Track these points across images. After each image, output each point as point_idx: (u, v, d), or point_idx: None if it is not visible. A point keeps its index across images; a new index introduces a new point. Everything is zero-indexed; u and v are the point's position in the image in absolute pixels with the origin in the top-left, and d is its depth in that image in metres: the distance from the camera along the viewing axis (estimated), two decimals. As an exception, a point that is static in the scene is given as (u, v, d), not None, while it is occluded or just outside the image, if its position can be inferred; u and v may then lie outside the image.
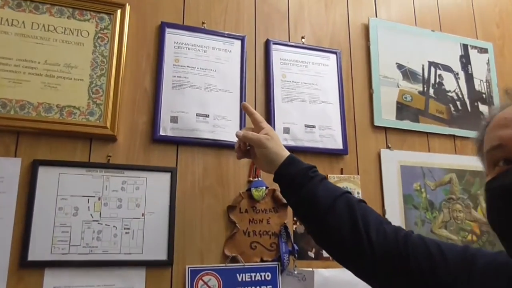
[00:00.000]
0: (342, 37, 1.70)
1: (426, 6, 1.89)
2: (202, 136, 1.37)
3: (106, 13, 1.37)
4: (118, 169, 1.28)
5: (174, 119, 1.36)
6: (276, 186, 1.37)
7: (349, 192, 0.98)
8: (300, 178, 0.98)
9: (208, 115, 1.40)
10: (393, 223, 0.92)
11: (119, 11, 1.37)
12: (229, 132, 1.41)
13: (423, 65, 1.77)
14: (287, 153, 1.05)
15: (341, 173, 1.53)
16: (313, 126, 1.52)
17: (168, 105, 1.37)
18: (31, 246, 1.15)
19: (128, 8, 1.39)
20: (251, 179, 1.41)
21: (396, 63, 1.73)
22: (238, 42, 1.51)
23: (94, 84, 1.30)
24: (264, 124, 1.10)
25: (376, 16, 1.77)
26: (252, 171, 1.42)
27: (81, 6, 1.34)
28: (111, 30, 1.36)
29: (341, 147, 1.54)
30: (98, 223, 1.23)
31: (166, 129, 1.35)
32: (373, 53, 1.70)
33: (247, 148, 1.13)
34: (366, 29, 1.74)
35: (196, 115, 1.38)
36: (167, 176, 1.32)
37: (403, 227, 1.55)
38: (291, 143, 1.47)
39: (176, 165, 1.35)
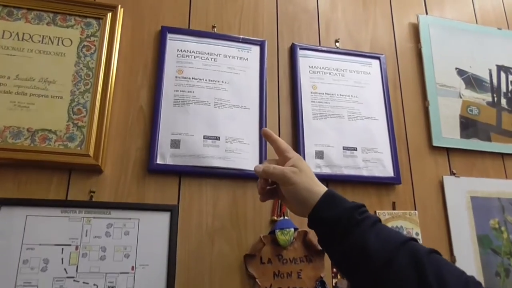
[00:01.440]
0: (385, 40, 1.38)
1: (488, 1, 1.55)
2: (211, 164, 1.08)
3: (94, 17, 1.13)
4: (103, 209, 1.00)
5: (175, 143, 1.07)
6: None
7: (414, 239, 0.68)
8: (344, 223, 0.69)
9: (219, 138, 1.10)
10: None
11: (109, 15, 1.13)
12: (245, 158, 1.11)
13: (490, 70, 1.42)
14: (323, 188, 0.75)
15: (393, 209, 1.18)
16: (354, 149, 1.19)
17: (168, 126, 1.09)
18: (-17, 313, 0.87)
19: (121, 11, 1.15)
20: (275, 218, 1.09)
21: (456, 68, 1.39)
22: (256, 48, 1.23)
23: (76, 102, 1.04)
24: (291, 153, 0.81)
25: (427, 14, 1.45)
26: (276, 208, 1.10)
27: (64, 10, 1.11)
28: (100, 37, 1.11)
29: (391, 174, 1.20)
30: (74, 280, 0.94)
31: (165, 156, 1.06)
32: (425, 57, 1.37)
33: (271, 187, 0.83)
34: (415, 29, 1.42)
35: (204, 138, 1.09)
36: (165, 217, 1.02)
37: (480, 279, 1.17)
38: (326, 170, 1.15)
39: (178, 202, 1.05)
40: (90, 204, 1.00)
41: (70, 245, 0.96)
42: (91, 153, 1.00)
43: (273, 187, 0.84)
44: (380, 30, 1.39)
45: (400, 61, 1.37)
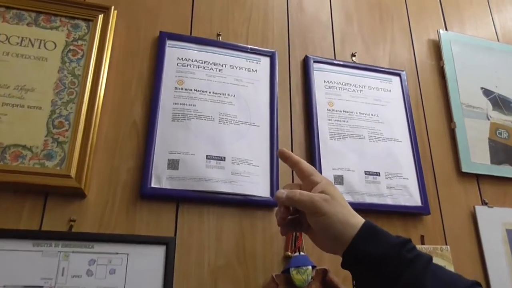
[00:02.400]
0: (404, 56, 1.27)
1: (509, 19, 1.46)
2: (215, 188, 0.92)
3: (83, 18, 0.98)
4: (84, 241, 0.82)
5: (173, 164, 0.92)
6: (329, 265, 0.89)
7: (478, 284, 0.57)
8: (392, 263, 0.55)
9: (224, 158, 0.95)
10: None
11: (101, 17, 0.99)
12: (254, 182, 0.95)
13: (517, 91, 1.30)
14: (360, 219, 0.60)
15: (422, 243, 1.03)
16: (377, 174, 1.05)
17: (165, 144, 0.93)
18: None
19: (114, 13, 1.01)
20: (290, 254, 0.92)
21: (482, 88, 1.27)
22: (266, 60, 1.09)
23: (58, 114, 0.89)
24: (318, 176, 0.65)
25: (446, 30, 1.35)
26: (290, 241, 0.93)
27: (48, 10, 0.97)
28: (89, 41, 0.97)
29: (419, 203, 1.05)
30: (45, 331, 0.75)
31: (160, 178, 0.90)
32: (449, 75, 1.25)
33: (293, 217, 0.68)
34: (436, 45, 1.31)
35: (206, 158, 0.94)
36: (160, 251, 0.85)
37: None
38: (347, 198, 1.00)
39: (175, 234, 0.88)
40: (69, 236, 0.82)
41: (42, 286, 0.78)
42: (72, 173, 0.84)
43: (295, 216, 0.68)
44: (399, 45, 1.27)
45: (422, 79, 1.25)
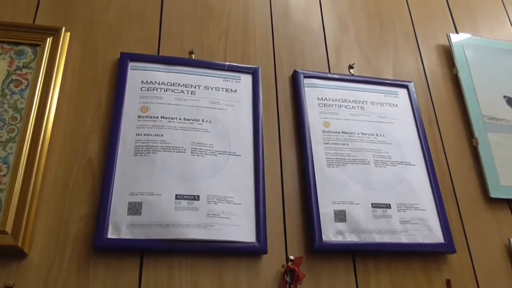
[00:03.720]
0: (410, 64, 1.10)
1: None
2: (187, 235, 0.75)
3: (28, 44, 0.85)
4: (22, 313, 0.66)
5: (134, 208, 0.75)
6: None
7: None
8: None
9: (197, 197, 0.78)
10: None
11: (49, 40, 0.85)
12: (236, 224, 0.78)
13: (546, 98, 1.12)
14: None
15: (449, 289, 0.84)
16: (387, 206, 0.87)
17: (125, 184, 0.77)
18: None
19: (66, 35, 0.88)
20: (283, 314, 0.74)
21: (505, 96, 1.09)
22: (248, 78, 0.94)
23: (-6, 155, 0.74)
24: None
25: (457, 32, 1.18)
26: (283, 297, 0.75)
27: (-13, 35, 0.84)
28: (35, 69, 0.83)
29: (441, 240, 0.87)
30: None
31: (119, 226, 0.74)
32: (465, 84, 1.08)
33: None
34: (446, 51, 1.14)
35: (176, 198, 0.77)
36: (117, 320, 0.68)
37: None
38: (352, 238, 0.82)
39: (138, 296, 0.71)
40: (2, 307, 0.66)
41: None
42: (8, 229, 0.69)
43: None
44: (403, 53, 1.11)
45: (433, 90, 1.08)
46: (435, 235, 0.87)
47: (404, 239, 0.85)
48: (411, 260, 0.85)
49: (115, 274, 0.72)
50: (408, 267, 0.84)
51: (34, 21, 0.90)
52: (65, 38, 0.87)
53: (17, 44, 0.85)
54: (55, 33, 0.86)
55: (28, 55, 0.84)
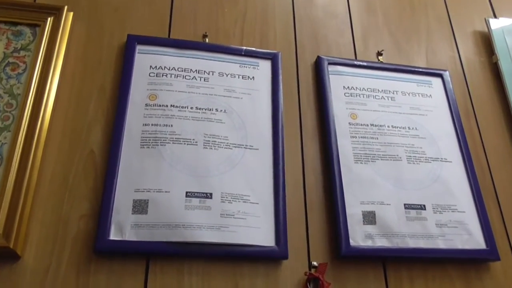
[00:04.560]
0: (445, 52, 1.01)
1: None
2: (198, 237, 0.67)
3: (27, 24, 0.78)
4: (13, 322, 0.59)
5: (140, 206, 0.68)
6: None
7: None
8: None
9: (210, 195, 0.70)
10: None
11: (49, 20, 0.78)
12: (253, 226, 0.70)
13: None
14: None
15: (492, 301, 0.74)
16: (422, 207, 0.78)
17: (130, 179, 0.69)
18: None
19: (68, 15, 0.80)
20: (305, 328, 0.66)
21: (550, 87, 0.99)
22: (267, 64, 0.86)
23: (-14, 145, 0.67)
24: None
25: (495, 17, 1.08)
26: (305, 309, 0.67)
27: (-18, 14, 0.76)
28: (33, 51, 0.75)
29: (483, 246, 0.77)
30: None
31: (123, 227, 0.66)
32: (506, 74, 0.98)
33: None
34: (484, 38, 1.05)
35: (186, 196, 0.69)
36: (120, 332, 0.61)
37: None
38: (382, 243, 0.73)
39: (143, 304, 0.64)
40: (-9, 315, 0.59)
41: None
42: (-1, 229, 0.61)
43: None
44: (437, 39, 1.01)
45: (470, 80, 0.98)
46: (476, 240, 0.77)
47: (441, 244, 0.75)
48: (449, 267, 0.76)
49: (118, 280, 0.65)
50: (446, 275, 0.75)
51: None
52: (68, 18, 0.80)
53: (15, 24, 0.78)
54: (56, 12, 0.79)
55: (27, 36, 0.77)
